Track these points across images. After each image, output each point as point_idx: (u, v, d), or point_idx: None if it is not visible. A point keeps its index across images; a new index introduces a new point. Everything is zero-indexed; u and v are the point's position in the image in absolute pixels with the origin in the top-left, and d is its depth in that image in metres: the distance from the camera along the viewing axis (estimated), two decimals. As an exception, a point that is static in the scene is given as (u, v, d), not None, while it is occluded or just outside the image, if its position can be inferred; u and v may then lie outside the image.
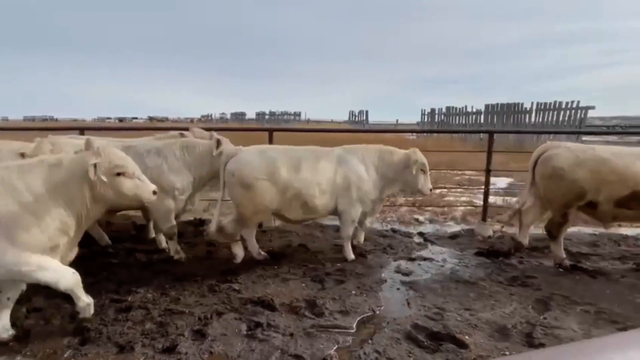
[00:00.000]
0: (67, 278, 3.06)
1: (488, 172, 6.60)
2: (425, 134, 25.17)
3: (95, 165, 3.06)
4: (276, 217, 5.17)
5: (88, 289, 4.08)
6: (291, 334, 3.26)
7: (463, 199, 8.68)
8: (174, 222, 4.80)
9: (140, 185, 3.32)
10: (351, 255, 4.99)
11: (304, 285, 4.24)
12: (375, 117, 59.08)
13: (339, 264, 4.82)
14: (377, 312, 3.71)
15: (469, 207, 7.67)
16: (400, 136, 20.72)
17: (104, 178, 3.11)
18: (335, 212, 4.91)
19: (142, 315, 3.52)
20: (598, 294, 4.08)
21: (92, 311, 3.29)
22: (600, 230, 6.42)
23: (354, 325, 3.46)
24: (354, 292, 4.08)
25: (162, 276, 4.35)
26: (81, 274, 4.29)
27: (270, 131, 6.81)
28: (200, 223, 6.36)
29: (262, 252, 4.97)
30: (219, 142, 4.78)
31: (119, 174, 3.19)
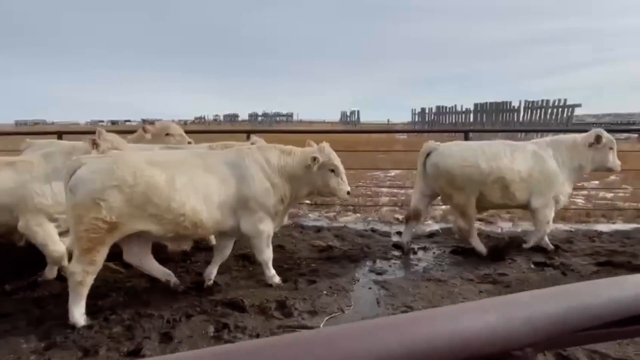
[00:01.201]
0: (270, 252, 4.17)
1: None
2: (415, 133, 25.26)
3: (315, 159, 4.04)
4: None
5: (62, 294, 4.06)
6: (257, 335, 3.29)
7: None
8: None
9: (341, 184, 4.23)
10: (550, 246, 5.20)
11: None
12: (367, 117, 59.28)
13: (313, 265, 4.86)
14: (346, 312, 3.75)
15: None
16: (392, 136, 20.82)
17: (318, 168, 4.08)
18: (525, 206, 5.16)
19: (111, 318, 3.53)
20: (565, 290, 4.13)
21: (277, 281, 4.20)
22: (576, 226, 6.51)
23: (321, 325, 3.49)
24: (325, 292, 4.12)
25: (135, 279, 4.36)
26: (56, 279, 4.31)
27: (249, 134, 6.84)
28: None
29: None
30: None
31: (331, 170, 4.14)
